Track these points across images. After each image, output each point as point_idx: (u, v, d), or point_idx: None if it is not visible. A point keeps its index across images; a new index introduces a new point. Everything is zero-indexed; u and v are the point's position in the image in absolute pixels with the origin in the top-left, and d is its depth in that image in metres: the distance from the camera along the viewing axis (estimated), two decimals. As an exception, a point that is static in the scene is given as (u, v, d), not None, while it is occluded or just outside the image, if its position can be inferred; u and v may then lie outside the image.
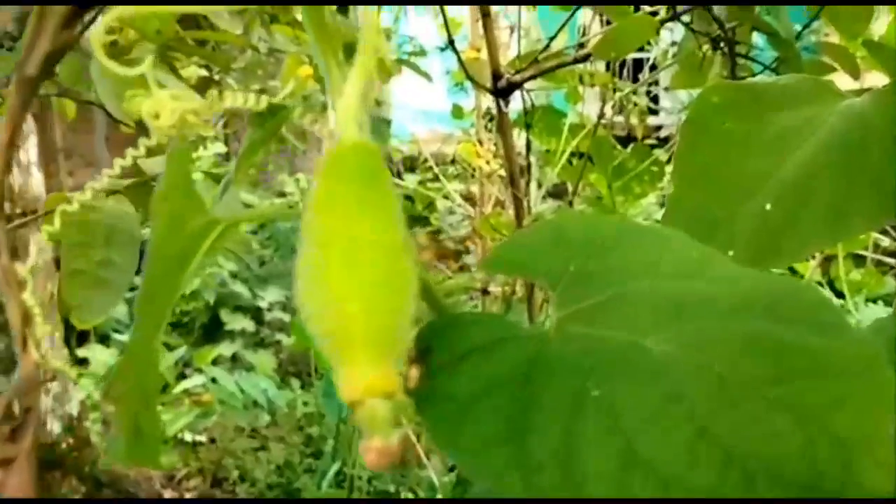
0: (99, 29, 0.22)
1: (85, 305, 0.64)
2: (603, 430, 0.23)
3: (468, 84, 2.92)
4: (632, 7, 1.22)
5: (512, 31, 2.03)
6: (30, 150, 2.35)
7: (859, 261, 1.86)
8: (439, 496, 2.21)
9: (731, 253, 0.49)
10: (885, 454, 0.23)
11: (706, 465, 0.22)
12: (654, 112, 3.55)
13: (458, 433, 0.23)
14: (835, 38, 1.40)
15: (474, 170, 2.24)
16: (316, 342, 0.20)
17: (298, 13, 1.77)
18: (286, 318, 3.53)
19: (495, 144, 1.75)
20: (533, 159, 2.32)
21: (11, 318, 0.21)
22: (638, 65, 2.57)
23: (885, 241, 1.91)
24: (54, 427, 2.32)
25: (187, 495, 2.70)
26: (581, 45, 1.27)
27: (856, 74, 1.18)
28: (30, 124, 2.38)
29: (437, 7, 1.35)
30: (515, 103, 1.48)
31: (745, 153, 0.50)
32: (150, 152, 0.32)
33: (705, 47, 1.25)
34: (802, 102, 0.50)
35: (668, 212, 0.51)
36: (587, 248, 0.28)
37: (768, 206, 0.47)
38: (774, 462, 0.22)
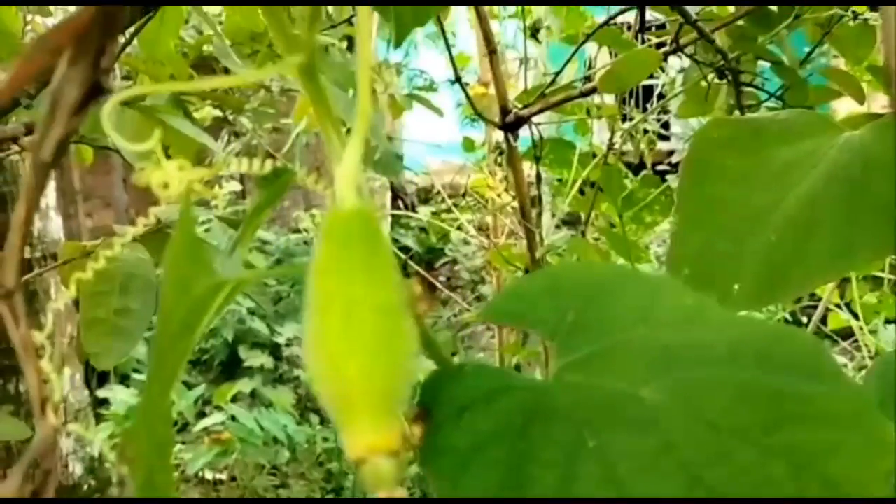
0: (108, 106, 0.23)
1: (104, 353, 0.65)
2: (598, 480, 0.23)
3: (479, 119, 2.95)
4: (629, 34, 1.23)
5: (521, 63, 2.05)
6: (48, 195, 2.39)
7: (877, 281, 1.85)
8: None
9: (736, 287, 0.50)
10: (881, 493, 0.23)
11: (701, 511, 0.23)
12: (666, 138, 3.56)
13: (459, 485, 0.23)
14: (842, 62, 1.41)
15: (487, 201, 2.26)
16: (322, 402, 0.21)
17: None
18: (304, 353, 3.53)
19: (506, 177, 1.76)
20: (546, 189, 2.33)
21: (29, 384, 0.22)
22: (647, 91, 2.58)
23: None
24: (76, 469, 2.34)
25: (209, 534, 2.70)
26: (587, 79, 1.28)
27: (861, 99, 1.19)
28: (48, 169, 2.42)
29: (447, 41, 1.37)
30: (526, 134, 1.50)
31: (747, 188, 0.50)
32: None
33: (711, 77, 1.26)
34: (802, 136, 0.50)
35: (672, 248, 0.52)
36: (582, 297, 0.29)
37: (773, 239, 0.47)
38: (768, 506, 0.23)
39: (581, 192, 1.70)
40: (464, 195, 2.47)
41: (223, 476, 2.92)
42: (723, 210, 0.51)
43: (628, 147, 2.10)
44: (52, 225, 2.36)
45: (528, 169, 1.54)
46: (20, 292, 0.22)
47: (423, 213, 4.41)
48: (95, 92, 0.21)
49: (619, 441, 0.24)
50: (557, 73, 1.19)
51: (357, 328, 0.21)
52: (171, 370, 0.24)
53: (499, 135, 2.21)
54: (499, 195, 1.73)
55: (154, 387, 0.24)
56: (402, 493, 0.20)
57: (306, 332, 0.22)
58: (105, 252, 0.38)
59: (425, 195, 4.99)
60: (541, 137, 1.30)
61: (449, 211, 3.05)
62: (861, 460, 0.24)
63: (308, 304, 0.22)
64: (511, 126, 1.25)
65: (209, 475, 2.89)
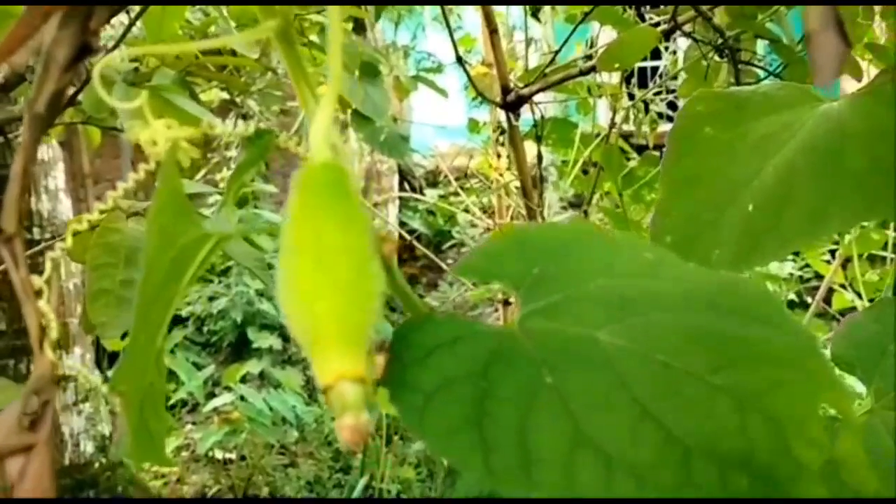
0: (100, 63, 0.25)
1: (108, 323, 0.67)
2: (554, 414, 0.25)
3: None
4: (631, 11, 1.24)
5: (527, 44, 2.05)
6: (58, 177, 2.41)
7: (880, 261, 1.85)
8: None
9: (717, 252, 0.52)
10: (817, 432, 0.25)
11: (648, 443, 0.24)
12: (672, 119, 3.55)
13: (425, 421, 0.25)
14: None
15: (492, 182, 2.27)
16: (295, 338, 0.23)
17: (314, 35, 1.81)
18: (312, 334, 3.56)
19: (509, 157, 1.77)
20: (552, 170, 2.34)
21: (28, 322, 0.24)
22: (653, 72, 2.58)
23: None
24: (87, 447, 2.37)
25: (219, 512, 2.74)
26: (588, 58, 1.29)
27: (858, 76, 1.19)
28: (57, 151, 2.44)
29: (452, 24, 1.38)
30: (529, 115, 1.51)
31: (728, 159, 0.52)
32: (151, 175, 0.35)
33: (710, 55, 1.27)
34: (782, 108, 0.52)
35: (656, 218, 0.54)
36: (547, 253, 0.31)
37: (751, 209, 0.49)
38: (711, 439, 0.25)
39: (585, 172, 1.72)
40: (466, 176, 2.48)
41: (233, 455, 2.96)
42: (704, 181, 0.53)
43: (634, 127, 2.11)
44: (62, 206, 2.38)
45: (533, 151, 1.55)
46: (19, 238, 0.24)
47: (431, 195, 4.42)
48: (84, 51, 0.22)
49: (574, 378, 0.26)
50: (556, 52, 1.20)
51: (327, 267, 0.23)
52: (157, 319, 0.26)
53: (503, 115, 2.22)
54: (501, 175, 1.75)
55: (140, 336, 0.26)
56: (366, 417, 0.22)
57: (280, 274, 0.24)
58: (89, 217, 0.40)
59: (433, 178, 5.00)
60: (542, 117, 1.32)
61: (456, 194, 3.07)
62: (800, 397, 0.25)
63: (282, 249, 0.24)
64: (512, 105, 1.26)
65: (219, 454, 2.93)
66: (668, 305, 0.28)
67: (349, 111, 1.59)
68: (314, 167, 0.24)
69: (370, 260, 0.23)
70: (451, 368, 0.26)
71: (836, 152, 0.48)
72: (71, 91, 1.26)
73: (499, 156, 2.16)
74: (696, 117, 0.54)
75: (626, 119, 1.61)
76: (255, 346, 3.39)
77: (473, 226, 3.88)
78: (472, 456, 0.24)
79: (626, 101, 1.61)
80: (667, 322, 0.27)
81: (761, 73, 1.27)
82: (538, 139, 1.37)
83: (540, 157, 1.40)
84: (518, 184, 1.95)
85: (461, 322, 0.27)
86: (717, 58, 1.26)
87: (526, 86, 1.28)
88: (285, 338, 3.55)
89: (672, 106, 3.34)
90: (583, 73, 1.18)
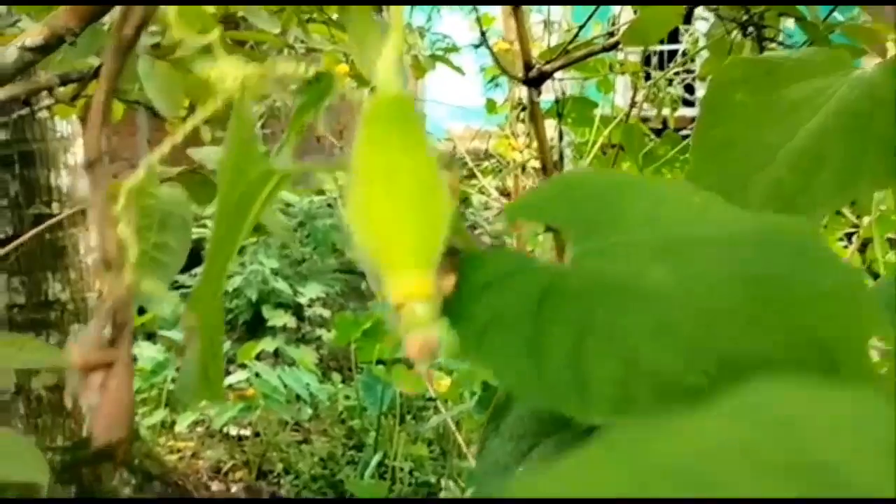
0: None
1: (143, 283, 0.68)
2: (608, 342, 0.26)
3: (502, 80, 2.96)
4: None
5: (545, 25, 2.06)
6: (77, 153, 2.43)
7: (893, 244, 1.85)
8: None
9: (747, 218, 0.52)
10: (866, 360, 0.26)
11: (701, 369, 0.25)
12: (690, 104, 3.54)
13: (481, 350, 0.26)
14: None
15: (508, 163, 2.28)
16: (364, 263, 0.24)
17: (334, 13, 1.82)
18: (326, 313, 3.59)
19: (528, 135, 1.78)
20: (568, 151, 2.35)
21: (106, 248, 0.25)
22: (671, 56, 2.58)
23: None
24: (105, 420, 2.40)
25: (233, 488, 2.77)
26: (611, 34, 1.30)
27: (884, 56, 1.19)
28: (77, 127, 2.46)
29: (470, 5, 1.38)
30: (548, 95, 1.51)
31: (760, 124, 0.53)
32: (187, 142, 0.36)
33: (734, 33, 1.27)
34: (815, 74, 0.52)
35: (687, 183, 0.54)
36: (596, 198, 0.31)
37: (782, 174, 0.50)
38: (767, 364, 0.25)
39: (603, 152, 1.72)
40: (485, 154, 2.49)
41: (247, 432, 2.99)
42: (736, 146, 0.53)
43: (652, 113, 2.11)
44: (81, 182, 2.40)
45: (552, 131, 1.55)
46: (101, 162, 0.25)
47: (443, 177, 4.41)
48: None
49: (626, 313, 0.27)
50: (581, 27, 1.20)
51: (398, 191, 0.24)
52: (228, 248, 0.27)
53: (521, 95, 2.23)
54: (521, 152, 1.75)
55: (213, 266, 0.27)
56: (435, 333, 0.23)
57: (350, 199, 0.25)
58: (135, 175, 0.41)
59: (446, 160, 4.99)
60: (563, 94, 1.32)
61: (470, 176, 3.07)
62: (851, 329, 0.26)
63: (352, 175, 0.25)
64: (534, 81, 1.26)
65: (233, 431, 2.96)
66: (715, 247, 0.28)
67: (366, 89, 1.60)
68: (383, 98, 0.25)
69: (439, 185, 0.25)
70: (506, 300, 0.27)
71: (866, 116, 0.49)
72: (97, 63, 1.27)
73: (516, 135, 2.16)
74: (729, 83, 0.55)
75: (646, 98, 1.61)
76: (269, 324, 3.42)
77: (487, 208, 3.89)
78: (528, 380, 0.25)
79: (645, 81, 1.61)
80: (715, 263, 0.28)
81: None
82: (559, 116, 1.37)
83: (560, 134, 1.41)
84: (536, 164, 1.96)
85: (515, 257, 0.28)
86: (740, 36, 1.26)
87: (548, 62, 1.28)
88: (300, 317, 3.57)
89: (689, 89, 3.33)
90: (606, 49, 1.18)
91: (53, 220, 2.21)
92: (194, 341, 0.28)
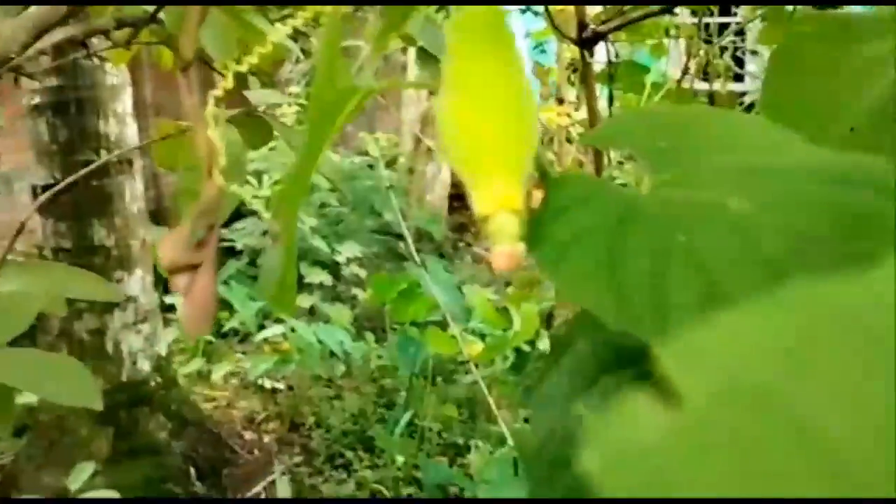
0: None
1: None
2: (688, 268, 0.26)
3: (548, 48, 2.92)
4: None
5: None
6: (125, 101, 2.45)
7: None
8: (509, 448, 2.26)
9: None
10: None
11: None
12: (739, 78, 3.48)
13: (560, 269, 0.26)
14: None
15: (552, 133, 2.26)
16: (455, 168, 0.24)
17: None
18: (362, 273, 3.61)
19: (577, 99, 1.76)
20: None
21: (199, 149, 0.26)
22: (724, 29, 2.53)
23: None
24: (144, 366, 2.46)
25: (266, 438, 2.81)
26: (667, -3, 1.27)
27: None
28: (125, 76, 2.48)
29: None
30: (598, 58, 1.49)
31: (831, 79, 0.52)
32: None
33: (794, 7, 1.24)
34: (890, 32, 0.51)
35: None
36: (674, 128, 0.31)
37: (852, 129, 0.49)
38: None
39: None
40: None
41: (280, 385, 3.03)
42: (805, 99, 0.52)
43: (701, 87, 2.08)
44: (129, 130, 2.43)
45: (599, 95, 1.53)
46: (196, 64, 0.25)
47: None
48: None
49: (706, 238, 0.26)
50: (639, -12, 1.18)
51: (488, 101, 0.24)
52: (314, 155, 0.27)
53: (570, 60, 2.20)
54: (568, 115, 1.74)
55: (301, 171, 0.27)
56: (522, 246, 0.23)
57: (440, 108, 0.24)
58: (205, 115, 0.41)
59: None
60: (616, 55, 1.30)
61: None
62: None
63: (443, 85, 0.25)
64: (587, 42, 1.25)
65: (267, 384, 3.00)
66: (797, 177, 0.28)
67: (410, 50, 1.59)
68: (474, 9, 0.25)
69: (529, 96, 0.24)
70: (585, 222, 0.27)
71: (943, 77, 0.47)
72: (152, 9, 1.27)
73: (561, 101, 2.14)
74: (801, 36, 0.54)
75: (698, 66, 1.58)
76: (306, 280, 3.45)
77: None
78: (605, 299, 0.25)
79: (699, 47, 1.58)
80: (797, 192, 0.28)
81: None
82: (610, 78, 1.35)
83: (611, 98, 1.39)
84: (580, 130, 1.94)
85: (592, 182, 0.28)
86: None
87: (603, 22, 1.26)
88: (335, 275, 3.60)
89: (740, 64, 3.26)
90: (663, 10, 1.16)
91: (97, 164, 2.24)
92: (277, 246, 0.28)
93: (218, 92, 0.48)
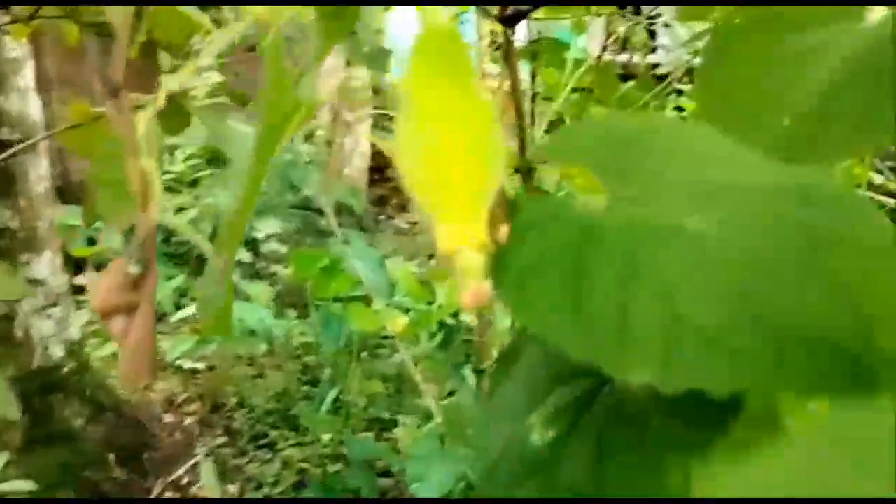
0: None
1: (117, 214, 0.66)
2: (651, 294, 0.25)
3: (468, 17, 2.90)
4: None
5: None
6: (26, 76, 2.34)
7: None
8: (436, 423, 2.27)
9: (747, 168, 0.52)
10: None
11: (743, 327, 0.25)
12: (653, 49, 3.52)
13: (521, 298, 0.25)
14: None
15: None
16: (416, 201, 0.23)
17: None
18: (282, 249, 3.56)
19: (499, 75, 1.75)
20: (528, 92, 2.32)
21: (131, 179, 0.23)
22: (639, 5, 2.55)
23: (879, 179, 1.93)
24: (56, 351, 2.37)
25: (187, 420, 2.76)
26: (590, -26, 1.27)
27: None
28: (25, 49, 2.36)
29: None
30: (522, 35, 1.48)
31: (764, 71, 0.52)
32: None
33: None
34: (823, 21, 0.51)
35: (688, 128, 0.53)
36: (628, 141, 0.30)
37: (788, 123, 0.49)
38: (803, 325, 0.25)
39: (575, 93, 1.70)
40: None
41: (201, 365, 2.97)
42: (738, 93, 0.52)
43: (617, 59, 2.09)
44: (33, 106, 2.32)
45: (525, 74, 1.53)
46: (126, 91, 0.23)
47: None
48: None
49: (668, 262, 0.26)
50: (563, -35, 1.17)
51: (450, 131, 0.22)
52: (257, 178, 0.26)
53: (489, 34, 2.19)
54: (492, 93, 1.73)
55: (245, 198, 0.25)
56: (487, 285, 0.22)
57: (401, 138, 0.23)
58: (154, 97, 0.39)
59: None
60: (539, 33, 1.30)
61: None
62: (890, 290, 0.26)
63: (402, 112, 0.23)
64: (511, 19, 1.24)
65: (187, 364, 2.94)
66: (755, 194, 0.28)
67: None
68: (432, 30, 0.23)
69: (492, 124, 0.23)
70: (544, 248, 0.26)
71: (877, 69, 0.48)
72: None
73: (484, 75, 2.13)
74: (732, 27, 0.53)
75: (616, 41, 1.59)
76: (224, 258, 3.37)
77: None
78: (568, 332, 0.24)
79: (619, 24, 1.59)
80: (755, 210, 0.27)
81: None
82: (533, 57, 1.35)
83: (534, 75, 1.39)
84: (502, 105, 1.93)
85: (552, 202, 0.27)
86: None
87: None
88: (255, 252, 3.53)
89: (652, 36, 3.30)
90: (586, -11, 1.16)
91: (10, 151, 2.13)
92: (218, 276, 0.26)
93: (174, 83, 0.45)
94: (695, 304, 0.25)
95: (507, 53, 1.38)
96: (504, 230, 0.24)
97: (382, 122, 4.68)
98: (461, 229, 0.22)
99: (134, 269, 0.23)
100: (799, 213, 0.27)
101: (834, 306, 0.26)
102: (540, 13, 1.40)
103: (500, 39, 1.46)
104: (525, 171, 1.40)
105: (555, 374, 0.35)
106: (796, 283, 0.26)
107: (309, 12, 0.30)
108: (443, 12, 0.23)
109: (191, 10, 1.21)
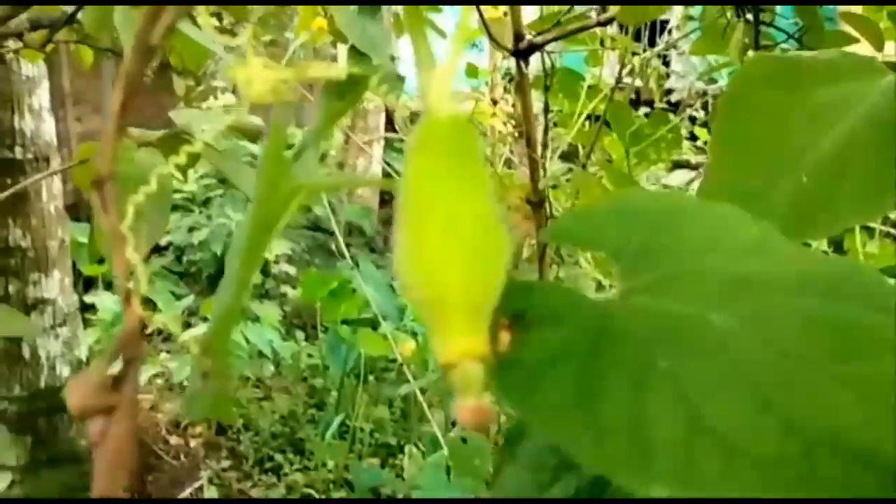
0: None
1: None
2: (670, 399, 0.23)
3: (481, 43, 2.90)
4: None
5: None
6: (41, 95, 2.34)
7: (868, 232, 1.86)
8: (443, 451, 2.24)
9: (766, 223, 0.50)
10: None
11: (769, 435, 0.23)
12: (666, 76, 3.51)
13: (529, 399, 0.24)
14: (857, 9, 1.39)
15: (487, 129, 2.23)
16: (414, 309, 0.21)
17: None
18: (292, 270, 3.55)
19: (513, 105, 1.74)
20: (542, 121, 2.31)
21: (115, 273, 0.22)
22: (655, 28, 2.54)
23: (894, 214, 1.91)
24: (63, 371, 2.36)
25: (192, 442, 2.74)
26: (604, 9, 1.26)
27: (879, 46, 1.17)
28: (41, 69, 2.37)
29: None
30: (533, 63, 1.48)
31: (783, 126, 0.50)
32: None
33: (729, 14, 1.24)
34: (845, 77, 0.50)
35: (705, 182, 0.52)
36: (648, 223, 0.29)
37: (805, 180, 0.48)
38: (835, 433, 0.23)
39: (582, 125, 1.69)
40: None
41: (207, 386, 2.96)
42: (756, 147, 0.51)
43: (629, 82, 2.08)
44: (45, 126, 2.32)
45: (537, 103, 1.52)
46: (112, 180, 0.22)
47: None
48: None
49: (689, 362, 0.24)
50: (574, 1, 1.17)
51: (453, 237, 0.21)
52: (250, 266, 0.24)
53: (504, 62, 2.18)
54: (504, 123, 1.72)
55: (238, 283, 0.24)
56: (487, 398, 0.20)
57: (400, 241, 0.22)
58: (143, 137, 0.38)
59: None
60: (553, 66, 1.29)
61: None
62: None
63: (402, 214, 0.22)
64: (524, 53, 1.23)
65: (194, 385, 2.93)
66: (782, 287, 0.26)
67: (339, 45, 1.55)
68: (436, 122, 0.22)
69: (497, 227, 0.22)
70: (556, 344, 0.25)
71: (892, 126, 0.47)
72: (71, 9, 1.21)
73: (495, 102, 2.12)
74: (752, 80, 0.52)
75: (631, 73, 1.58)
76: (233, 278, 3.37)
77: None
78: (583, 439, 0.23)
79: (633, 57, 1.58)
80: (783, 305, 0.26)
81: (777, 37, 1.25)
82: (546, 89, 1.34)
83: (547, 106, 1.38)
84: (515, 133, 1.92)
85: (559, 292, 0.26)
86: (734, 17, 1.23)
87: (539, 34, 1.25)
88: (264, 272, 3.53)
89: (666, 63, 3.29)
90: (600, 23, 1.15)
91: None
92: (210, 363, 0.25)
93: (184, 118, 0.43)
94: (717, 410, 0.24)
95: (520, 85, 1.37)
96: (505, 339, 0.23)
97: (395, 144, 4.69)
98: (461, 341, 0.21)
99: (115, 370, 0.22)
100: (829, 308, 0.26)
101: (867, 411, 0.24)
102: (553, 45, 1.39)
103: (514, 70, 1.45)
104: (536, 202, 1.39)
105: (561, 459, 0.33)
106: (828, 389, 0.24)
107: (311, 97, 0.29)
108: (451, 103, 0.21)
109: (205, 38, 1.20)
